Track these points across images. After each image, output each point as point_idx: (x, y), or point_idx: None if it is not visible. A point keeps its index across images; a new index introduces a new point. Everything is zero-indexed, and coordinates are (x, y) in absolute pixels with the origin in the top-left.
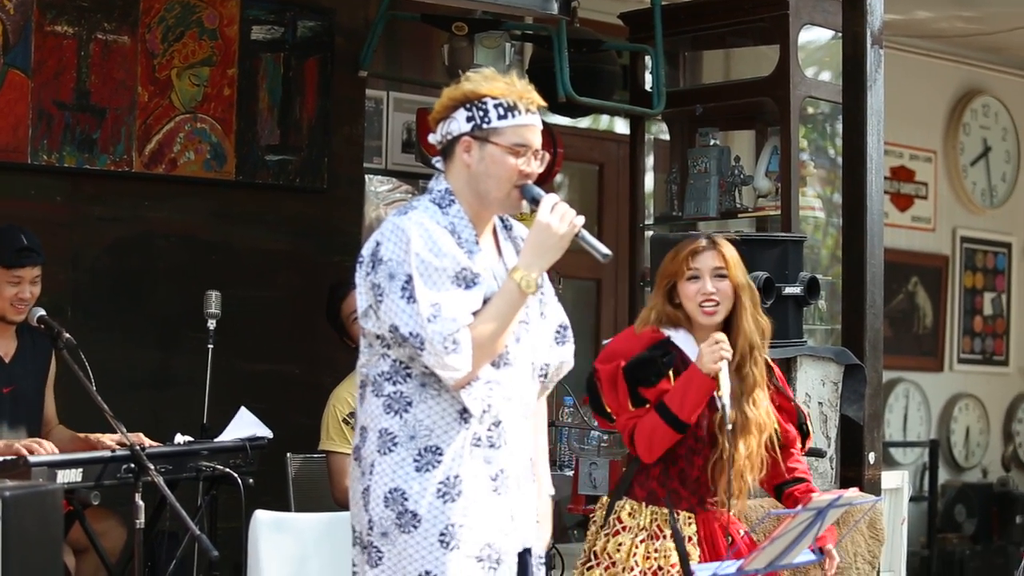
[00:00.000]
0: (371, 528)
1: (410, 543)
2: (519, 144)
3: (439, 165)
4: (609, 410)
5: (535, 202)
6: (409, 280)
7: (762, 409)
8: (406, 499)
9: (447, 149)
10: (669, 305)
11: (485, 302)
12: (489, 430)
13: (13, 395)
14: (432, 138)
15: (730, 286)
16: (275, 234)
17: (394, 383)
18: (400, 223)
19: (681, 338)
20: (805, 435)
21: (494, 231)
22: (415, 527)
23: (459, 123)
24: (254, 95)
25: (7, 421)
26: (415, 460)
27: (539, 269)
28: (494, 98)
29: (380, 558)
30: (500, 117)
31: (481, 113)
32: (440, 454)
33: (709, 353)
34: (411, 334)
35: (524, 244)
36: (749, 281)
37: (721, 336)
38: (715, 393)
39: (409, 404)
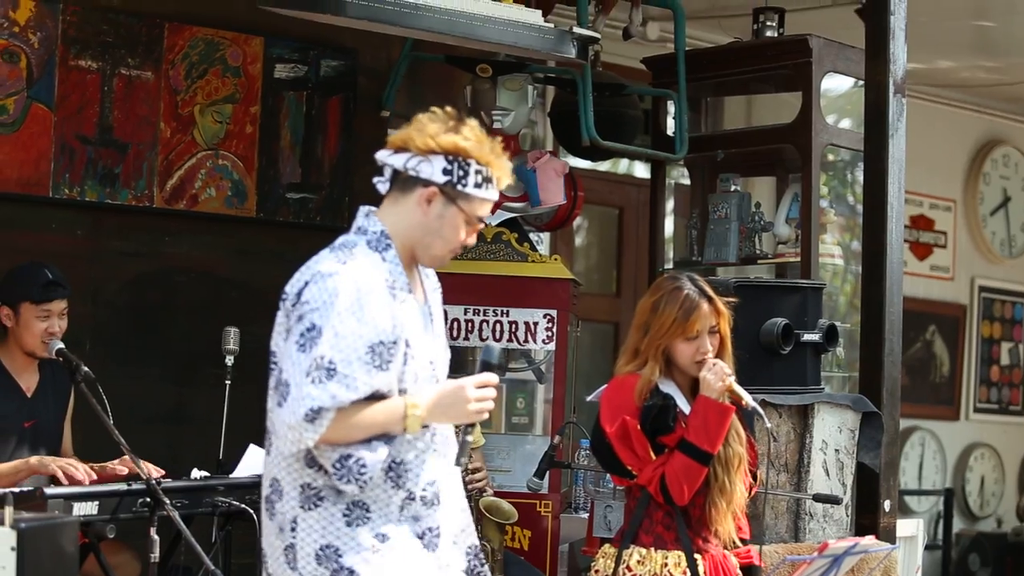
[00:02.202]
0: None
1: None
2: (477, 217)
3: (381, 187)
4: (629, 467)
5: (487, 366)
6: (312, 328)
7: (741, 445)
8: (340, 555)
9: (401, 182)
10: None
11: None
12: (424, 489)
13: (34, 429)
14: (387, 157)
15: (718, 338)
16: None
17: None
18: (336, 273)
19: (666, 386)
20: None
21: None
22: None
23: (434, 169)
24: (276, 133)
25: (28, 454)
26: (344, 515)
27: (432, 420)
28: (478, 164)
29: None
30: (476, 185)
31: (461, 173)
32: (368, 511)
33: (713, 377)
34: (284, 382)
35: (438, 392)
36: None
37: (715, 359)
38: (742, 404)
39: None
